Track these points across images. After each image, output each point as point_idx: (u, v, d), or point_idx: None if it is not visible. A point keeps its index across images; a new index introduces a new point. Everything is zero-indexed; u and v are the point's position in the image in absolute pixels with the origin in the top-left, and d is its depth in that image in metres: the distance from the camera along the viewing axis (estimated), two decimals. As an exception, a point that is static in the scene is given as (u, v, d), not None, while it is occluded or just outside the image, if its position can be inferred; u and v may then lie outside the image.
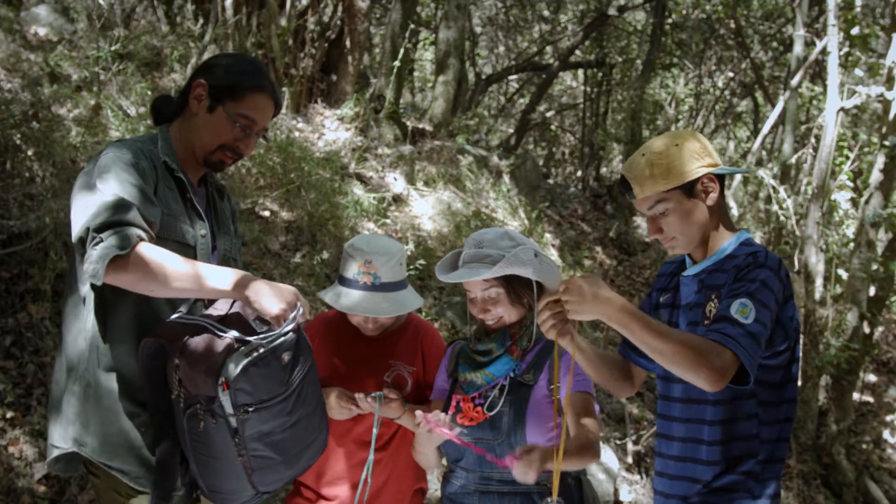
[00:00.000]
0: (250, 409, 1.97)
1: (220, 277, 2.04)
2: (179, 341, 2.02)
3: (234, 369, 1.94)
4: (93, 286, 2.14)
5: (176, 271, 2.00)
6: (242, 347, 1.96)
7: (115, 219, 1.99)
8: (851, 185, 8.88)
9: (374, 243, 2.65)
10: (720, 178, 2.28)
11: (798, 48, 9.67)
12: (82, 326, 2.16)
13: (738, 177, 10.13)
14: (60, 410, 2.19)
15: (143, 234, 2.02)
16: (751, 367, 2.02)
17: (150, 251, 2.00)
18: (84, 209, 2.03)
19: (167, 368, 2.06)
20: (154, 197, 2.14)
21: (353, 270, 2.61)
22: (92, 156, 2.36)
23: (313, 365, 2.13)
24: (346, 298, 2.60)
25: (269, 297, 2.01)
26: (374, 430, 2.57)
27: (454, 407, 2.45)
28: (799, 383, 7.55)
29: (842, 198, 8.19)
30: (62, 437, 2.17)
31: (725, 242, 2.28)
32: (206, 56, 6.73)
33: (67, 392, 2.17)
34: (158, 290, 2.02)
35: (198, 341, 2.00)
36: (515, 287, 2.44)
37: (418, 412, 2.34)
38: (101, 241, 1.97)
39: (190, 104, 2.31)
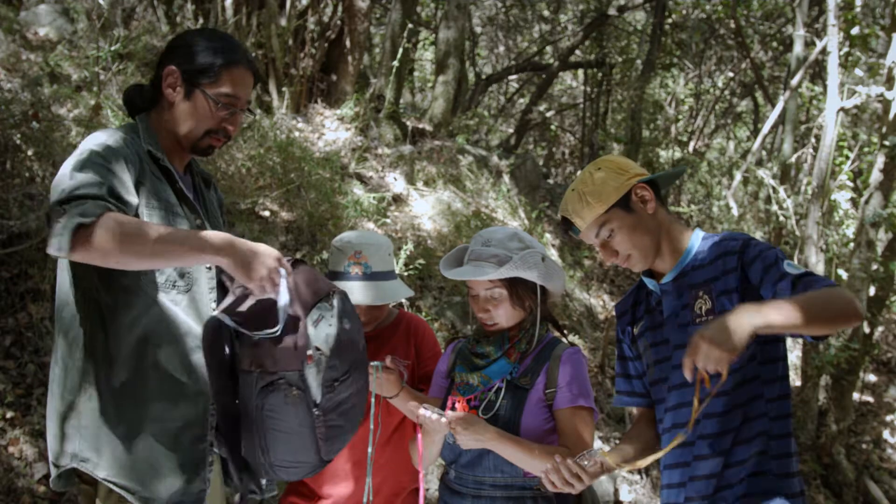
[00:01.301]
0: (337, 384, 1.97)
1: (199, 241, 1.90)
2: (256, 318, 1.98)
3: (324, 342, 1.96)
4: (92, 295, 2.04)
5: (149, 238, 1.85)
6: (322, 318, 1.98)
7: (80, 193, 1.87)
8: (851, 185, 8.87)
9: (361, 236, 2.69)
10: (653, 187, 2.31)
11: (798, 48, 9.68)
12: (80, 334, 2.05)
13: (738, 177, 10.13)
14: (63, 427, 2.07)
15: (111, 207, 1.88)
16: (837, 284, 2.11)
17: (118, 219, 1.85)
18: (55, 192, 1.92)
19: (239, 348, 2.00)
20: (132, 186, 2.01)
21: (343, 263, 2.63)
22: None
23: (357, 325, 2.12)
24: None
25: (248, 266, 1.91)
26: (372, 399, 2.53)
27: (450, 408, 2.44)
28: (799, 383, 7.52)
29: (842, 198, 8.19)
30: (68, 453, 2.06)
31: (688, 242, 2.31)
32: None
33: (69, 406, 2.06)
34: (130, 261, 1.87)
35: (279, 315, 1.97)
36: (519, 290, 2.42)
37: (421, 411, 2.33)
38: (64, 212, 1.83)
39: (165, 94, 2.17)
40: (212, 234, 1.93)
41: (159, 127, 2.20)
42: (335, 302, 2.05)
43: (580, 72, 14.99)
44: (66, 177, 1.94)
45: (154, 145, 2.16)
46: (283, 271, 1.95)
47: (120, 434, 2.03)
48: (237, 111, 2.20)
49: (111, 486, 2.03)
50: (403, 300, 5.15)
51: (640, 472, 6.19)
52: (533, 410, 2.38)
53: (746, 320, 1.90)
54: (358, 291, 2.59)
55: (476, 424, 2.25)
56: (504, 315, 2.44)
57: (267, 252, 1.94)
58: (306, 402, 1.97)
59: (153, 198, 2.07)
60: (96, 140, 2.05)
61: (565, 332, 2.62)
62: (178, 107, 2.16)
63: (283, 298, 1.94)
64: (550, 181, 12.22)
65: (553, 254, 8.80)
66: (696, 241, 2.30)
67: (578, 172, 2.44)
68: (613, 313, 8.66)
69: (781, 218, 8.80)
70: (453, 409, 2.42)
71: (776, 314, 1.92)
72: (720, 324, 1.91)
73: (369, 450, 2.54)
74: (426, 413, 2.31)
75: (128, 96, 2.25)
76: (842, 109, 7.46)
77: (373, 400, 2.52)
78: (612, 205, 2.25)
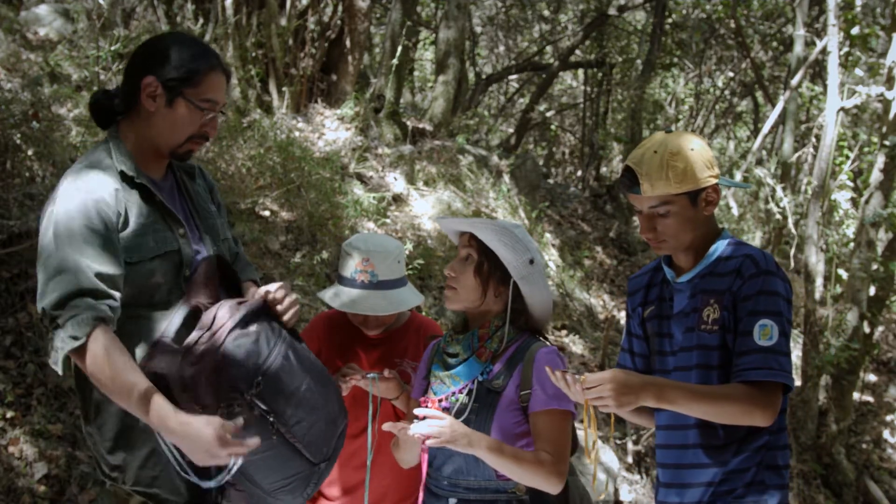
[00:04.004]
0: (258, 380, 1.98)
1: (151, 410, 1.93)
2: (176, 371, 2.01)
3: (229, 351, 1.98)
4: None
5: (116, 384, 1.94)
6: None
7: (68, 291, 1.94)
8: (851, 184, 8.88)
9: (371, 241, 2.65)
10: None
11: (798, 48, 9.67)
12: None
13: (738, 176, 10.13)
14: (91, 445, 2.14)
15: (101, 309, 1.95)
16: (791, 381, 2.13)
17: (101, 349, 1.93)
18: (42, 273, 1.99)
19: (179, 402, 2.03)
20: (117, 241, 2.04)
21: (350, 269, 2.61)
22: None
23: (284, 335, 2.14)
24: (344, 297, 2.59)
25: (191, 452, 1.95)
26: (370, 408, 2.53)
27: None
28: (799, 383, 7.53)
29: (842, 197, 8.19)
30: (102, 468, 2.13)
31: (713, 246, 2.29)
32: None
33: (98, 420, 2.12)
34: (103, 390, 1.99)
35: (192, 363, 2.01)
36: (489, 266, 2.35)
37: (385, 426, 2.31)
38: (59, 326, 1.93)
39: (143, 103, 2.15)
40: (162, 412, 1.93)
41: (133, 138, 2.19)
42: (239, 311, 2.07)
43: (580, 72, 14.99)
44: (53, 252, 1.97)
45: (126, 163, 2.15)
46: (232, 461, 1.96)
47: (138, 446, 2.09)
48: (216, 115, 2.23)
49: (138, 494, 2.10)
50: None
51: (639, 472, 6.19)
52: (504, 413, 2.30)
53: (654, 398, 2.09)
54: (363, 300, 2.58)
55: (462, 437, 2.18)
56: (463, 283, 2.37)
57: (207, 439, 1.91)
58: (256, 414, 1.99)
59: (138, 226, 2.10)
60: (76, 200, 2.03)
61: (548, 338, 2.54)
62: (158, 116, 2.16)
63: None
64: (550, 181, 12.23)
65: (553, 253, 8.80)
66: (721, 246, 2.28)
67: (655, 133, 2.36)
68: (613, 312, 8.60)
69: (778, 217, 8.81)
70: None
71: (686, 402, 2.11)
72: (627, 381, 2.07)
73: (368, 460, 2.52)
74: (388, 427, 2.29)
75: (98, 104, 2.23)
76: (842, 109, 7.45)
77: (370, 410, 2.50)
78: (685, 191, 2.22)
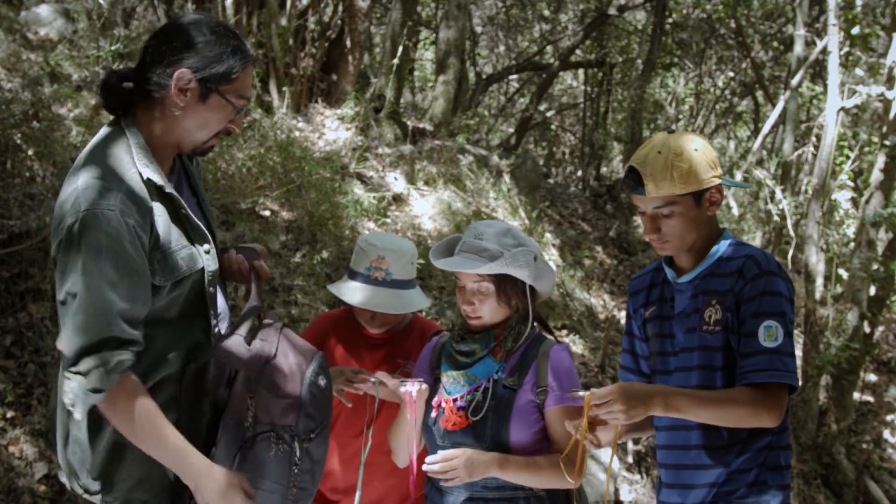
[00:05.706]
0: (313, 436, 1.99)
1: (180, 464, 1.91)
2: (260, 368, 1.99)
3: (307, 395, 2.01)
4: None
5: (144, 432, 1.88)
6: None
7: (95, 339, 1.81)
8: (852, 184, 8.87)
9: (387, 240, 2.67)
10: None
11: (798, 48, 9.67)
12: None
13: (739, 176, 10.14)
14: (69, 453, 2.04)
15: (126, 359, 1.84)
16: (796, 382, 2.13)
17: (125, 400, 1.85)
18: (69, 307, 1.83)
19: (237, 394, 2.00)
20: (147, 263, 1.90)
21: (364, 265, 2.62)
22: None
23: (330, 384, 2.18)
24: (356, 293, 2.60)
25: (207, 492, 1.92)
26: (367, 413, 2.54)
27: (437, 409, 2.40)
28: (799, 383, 7.52)
29: (842, 197, 8.19)
30: (77, 483, 2.04)
31: (714, 246, 2.29)
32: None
33: (96, 439, 2.01)
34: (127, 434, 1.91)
35: (279, 369, 2.01)
36: (507, 287, 2.36)
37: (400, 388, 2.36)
38: (80, 373, 1.81)
39: (174, 98, 1.94)
40: (194, 464, 1.92)
41: (152, 130, 2.00)
42: (314, 359, 2.10)
43: (580, 71, 14.99)
44: (81, 283, 1.82)
45: (150, 167, 1.95)
46: None
47: (134, 467, 2.03)
48: (244, 110, 2.08)
49: None
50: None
51: (640, 472, 6.19)
52: (522, 411, 2.33)
53: (662, 406, 2.10)
54: (375, 297, 2.59)
55: (478, 467, 2.25)
56: (488, 311, 2.38)
57: (227, 482, 1.93)
58: (289, 458, 1.98)
59: (166, 247, 1.97)
60: (110, 221, 1.84)
61: (554, 331, 2.58)
62: (189, 111, 1.97)
63: None
64: (551, 181, 12.22)
65: (553, 253, 8.80)
66: (722, 246, 2.28)
67: (657, 133, 2.35)
68: (614, 312, 8.57)
69: (776, 218, 8.81)
70: (440, 409, 2.39)
71: (692, 409, 2.11)
72: (634, 392, 2.08)
73: (362, 460, 2.52)
74: (381, 375, 2.40)
75: (111, 88, 2.01)
76: (842, 109, 7.44)
77: (367, 414, 2.51)
78: (689, 192, 2.22)
